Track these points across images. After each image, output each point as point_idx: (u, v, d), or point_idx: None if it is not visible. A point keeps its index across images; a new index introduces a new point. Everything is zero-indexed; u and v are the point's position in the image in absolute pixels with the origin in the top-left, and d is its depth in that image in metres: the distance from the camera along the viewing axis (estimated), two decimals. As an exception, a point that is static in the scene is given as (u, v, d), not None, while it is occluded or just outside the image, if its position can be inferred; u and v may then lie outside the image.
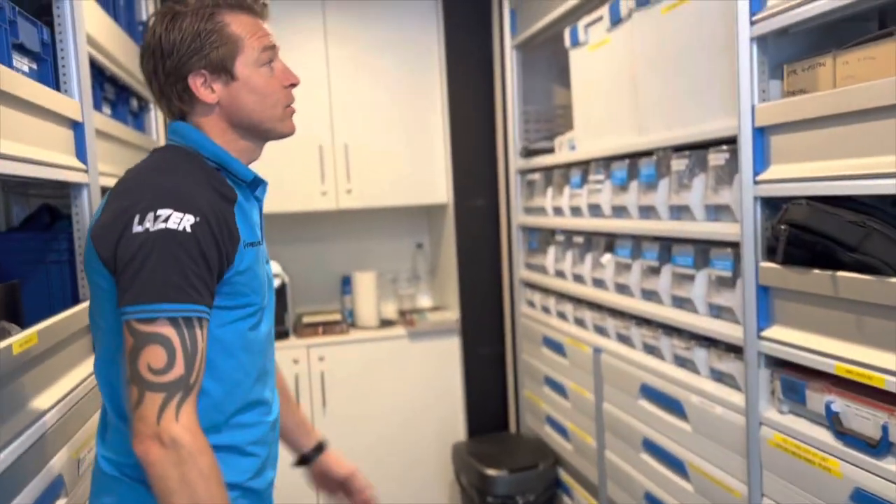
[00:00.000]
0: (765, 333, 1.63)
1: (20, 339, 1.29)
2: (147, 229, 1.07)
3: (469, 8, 3.35)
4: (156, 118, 2.86)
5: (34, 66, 1.63)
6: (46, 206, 2.20)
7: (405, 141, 3.43)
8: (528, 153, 3.09)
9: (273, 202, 3.23)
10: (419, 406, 3.37)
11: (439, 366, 3.40)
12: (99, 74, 2.13)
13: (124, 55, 2.31)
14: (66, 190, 2.23)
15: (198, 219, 1.09)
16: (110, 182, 2.04)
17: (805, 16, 1.47)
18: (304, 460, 1.58)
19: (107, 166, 2.05)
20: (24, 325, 1.52)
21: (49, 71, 1.69)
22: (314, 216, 3.58)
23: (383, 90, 3.39)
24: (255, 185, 1.28)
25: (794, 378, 1.56)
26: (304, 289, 3.73)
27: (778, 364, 1.64)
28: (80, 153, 1.77)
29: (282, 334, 3.28)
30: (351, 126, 3.37)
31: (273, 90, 1.25)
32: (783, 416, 1.61)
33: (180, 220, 1.08)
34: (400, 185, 3.43)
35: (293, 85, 1.28)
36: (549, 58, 3.21)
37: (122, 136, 2.24)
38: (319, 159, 3.33)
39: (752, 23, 1.60)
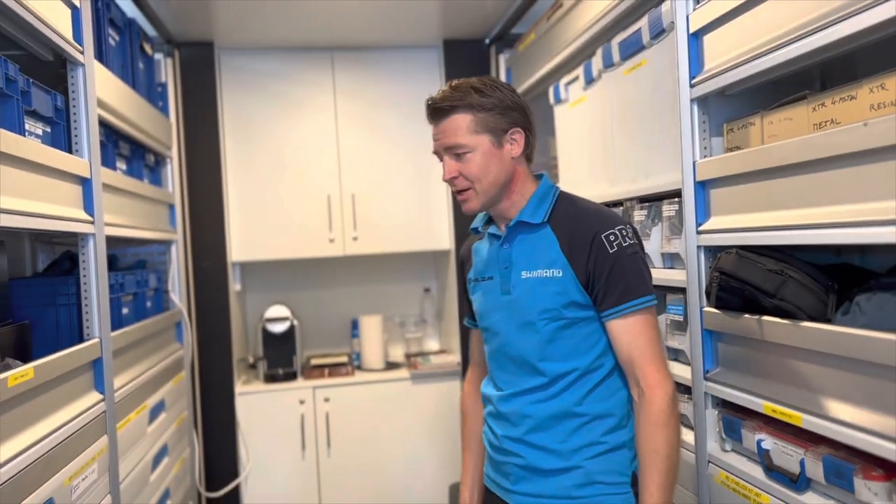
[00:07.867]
0: (710, 375, 1.72)
1: (15, 374, 1.45)
2: None
3: (469, 65, 3.52)
4: (171, 172, 3.08)
5: (48, 130, 1.83)
6: (69, 253, 2.40)
7: (409, 190, 3.61)
8: (523, 202, 3.22)
9: (283, 248, 3.48)
10: (420, 447, 3.47)
11: (441, 407, 3.51)
12: (112, 134, 2.35)
13: (138, 115, 2.53)
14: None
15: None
16: (118, 232, 2.24)
17: (736, 78, 1.60)
18: None
19: (117, 218, 2.24)
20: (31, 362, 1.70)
21: (62, 133, 1.90)
22: (327, 262, 3.75)
23: (389, 142, 3.59)
24: (481, 230, 1.68)
25: (733, 417, 1.64)
26: (315, 332, 3.88)
27: (725, 405, 1.72)
28: (88, 206, 1.96)
29: (290, 376, 3.44)
30: (358, 177, 3.56)
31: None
32: (726, 453, 1.69)
33: None
34: (404, 232, 3.60)
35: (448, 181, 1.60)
36: (540, 113, 3.36)
37: (133, 189, 2.44)
38: (328, 208, 3.52)
39: (692, 85, 1.74)
